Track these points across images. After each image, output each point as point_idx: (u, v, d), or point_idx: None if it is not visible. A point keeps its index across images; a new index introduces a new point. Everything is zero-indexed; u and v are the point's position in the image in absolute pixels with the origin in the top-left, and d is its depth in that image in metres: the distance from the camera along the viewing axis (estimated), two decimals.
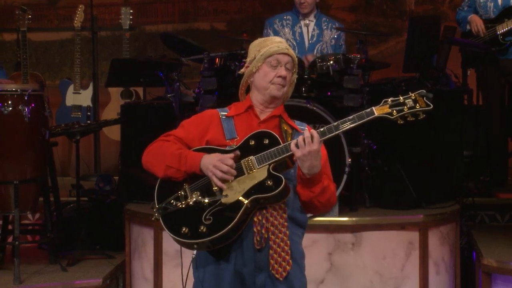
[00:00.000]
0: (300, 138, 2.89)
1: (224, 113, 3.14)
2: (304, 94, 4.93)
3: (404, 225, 4.77)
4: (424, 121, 5.46)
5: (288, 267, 2.94)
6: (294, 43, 5.58)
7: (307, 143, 2.87)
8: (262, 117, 3.11)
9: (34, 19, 7.39)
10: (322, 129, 2.93)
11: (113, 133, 7.03)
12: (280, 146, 2.94)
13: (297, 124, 3.16)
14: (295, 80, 3.19)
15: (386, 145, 5.26)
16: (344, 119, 2.94)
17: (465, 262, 5.32)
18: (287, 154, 2.92)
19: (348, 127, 2.92)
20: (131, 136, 5.73)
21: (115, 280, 5.09)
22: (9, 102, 4.57)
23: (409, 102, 2.87)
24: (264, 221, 2.95)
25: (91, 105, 7.26)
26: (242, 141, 3.01)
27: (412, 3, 7.96)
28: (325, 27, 5.62)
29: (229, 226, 2.90)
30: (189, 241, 2.95)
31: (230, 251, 2.98)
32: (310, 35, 5.56)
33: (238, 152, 2.97)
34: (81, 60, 7.33)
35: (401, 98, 2.89)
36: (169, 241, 4.80)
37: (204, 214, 2.94)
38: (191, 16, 8.22)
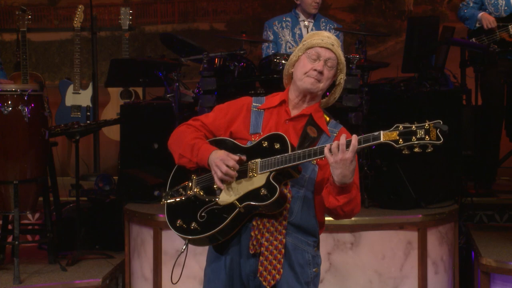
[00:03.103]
0: (334, 144, 2.77)
1: (257, 104, 3.08)
2: None
3: (403, 225, 4.78)
4: (423, 121, 5.47)
5: (277, 276, 2.90)
6: (294, 45, 5.59)
7: (340, 150, 2.76)
8: (294, 113, 3.04)
9: (34, 20, 7.41)
10: (331, 144, 2.81)
11: (113, 133, 7.04)
12: (287, 154, 2.87)
13: (331, 125, 3.05)
14: (342, 82, 3.06)
15: (385, 145, 5.26)
16: (350, 138, 2.81)
17: (464, 261, 5.32)
18: (289, 164, 2.86)
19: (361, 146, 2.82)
20: (130, 136, 5.74)
21: (114, 280, 5.10)
22: (9, 102, 4.58)
23: (420, 132, 2.75)
24: (261, 226, 2.93)
25: (90, 105, 7.27)
26: (257, 141, 2.97)
27: (411, 4, 7.97)
28: (323, 27, 5.64)
29: (218, 228, 2.91)
30: (181, 235, 3.00)
31: (229, 252, 2.99)
32: None
33: (244, 157, 2.94)
34: (81, 60, 7.34)
35: (414, 126, 2.76)
36: (168, 240, 4.81)
37: (200, 211, 2.97)
38: (190, 16, 8.23)
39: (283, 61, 5.08)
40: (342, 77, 3.06)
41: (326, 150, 2.79)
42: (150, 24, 8.22)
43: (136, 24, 7.96)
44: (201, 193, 3.00)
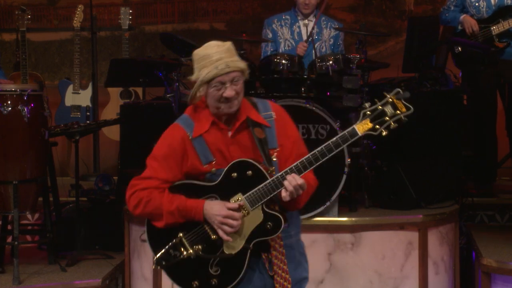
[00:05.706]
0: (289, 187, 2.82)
1: (189, 130, 2.97)
2: (304, 94, 4.93)
3: (404, 225, 4.78)
4: (423, 121, 5.47)
5: (289, 286, 2.96)
6: (293, 43, 5.58)
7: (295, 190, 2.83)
8: (231, 125, 2.97)
9: (33, 19, 7.40)
10: (312, 154, 2.84)
11: (113, 133, 7.03)
12: (269, 181, 2.85)
13: (262, 110, 3.01)
14: (248, 75, 3.02)
15: (386, 145, 5.26)
16: (328, 143, 2.84)
17: (464, 262, 5.32)
18: (278, 190, 2.85)
19: (334, 153, 2.84)
20: (130, 136, 5.73)
21: (114, 280, 5.09)
22: (9, 102, 4.58)
23: (389, 109, 2.80)
24: (269, 255, 2.97)
25: (90, 105, 7.26)
26: (222, 175, 2.91)
27: (411, 3, 7.96)
28: (324, 26, 5.63)
29: (241, 275, 2.91)
30: None
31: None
32: (308, 34, 5.56)
33: (242, 203, 2.90)
34: (81, 60, 7.34)
35: (378, 105, 2.81)
36: None
37: (210, 265, 2.94)
38: (190, 16, 8.22)
39: (283, 61, 5.07)
40: (246, 72, 3.00)
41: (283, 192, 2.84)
42: (150, 24, 8.21)
43: (136, 24, 7.96)
44: (203, 250, 2.95)
